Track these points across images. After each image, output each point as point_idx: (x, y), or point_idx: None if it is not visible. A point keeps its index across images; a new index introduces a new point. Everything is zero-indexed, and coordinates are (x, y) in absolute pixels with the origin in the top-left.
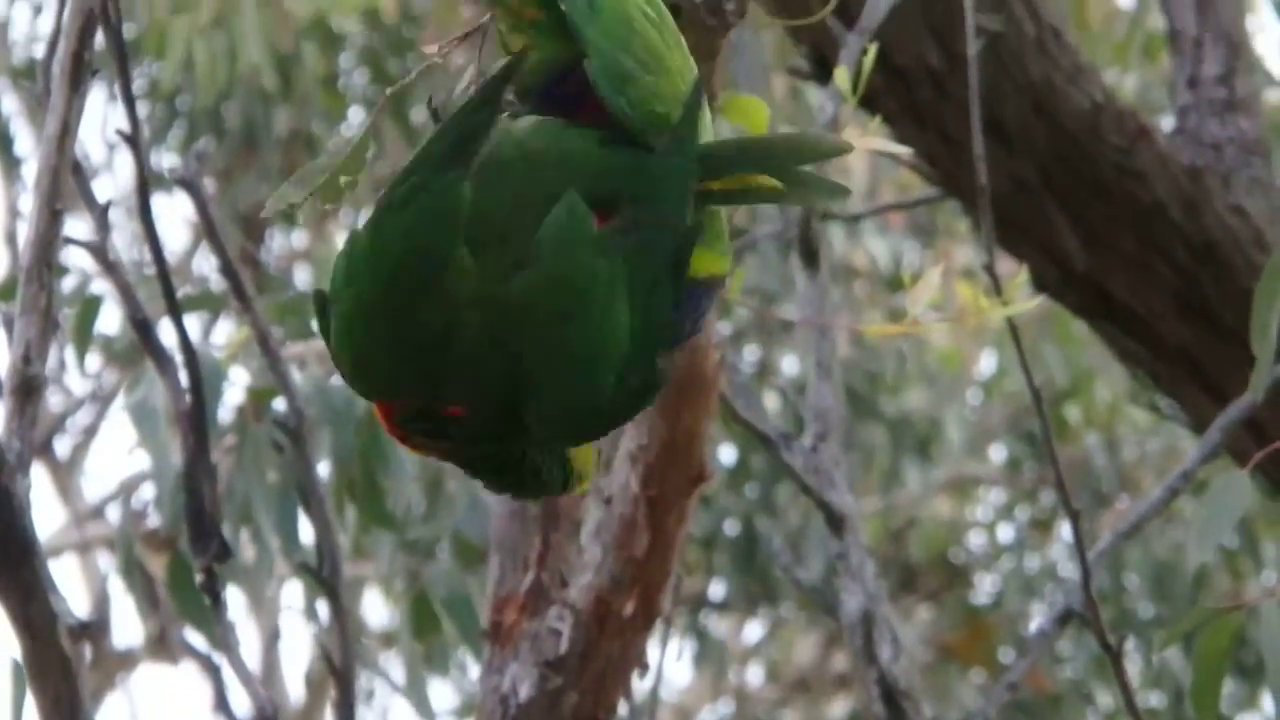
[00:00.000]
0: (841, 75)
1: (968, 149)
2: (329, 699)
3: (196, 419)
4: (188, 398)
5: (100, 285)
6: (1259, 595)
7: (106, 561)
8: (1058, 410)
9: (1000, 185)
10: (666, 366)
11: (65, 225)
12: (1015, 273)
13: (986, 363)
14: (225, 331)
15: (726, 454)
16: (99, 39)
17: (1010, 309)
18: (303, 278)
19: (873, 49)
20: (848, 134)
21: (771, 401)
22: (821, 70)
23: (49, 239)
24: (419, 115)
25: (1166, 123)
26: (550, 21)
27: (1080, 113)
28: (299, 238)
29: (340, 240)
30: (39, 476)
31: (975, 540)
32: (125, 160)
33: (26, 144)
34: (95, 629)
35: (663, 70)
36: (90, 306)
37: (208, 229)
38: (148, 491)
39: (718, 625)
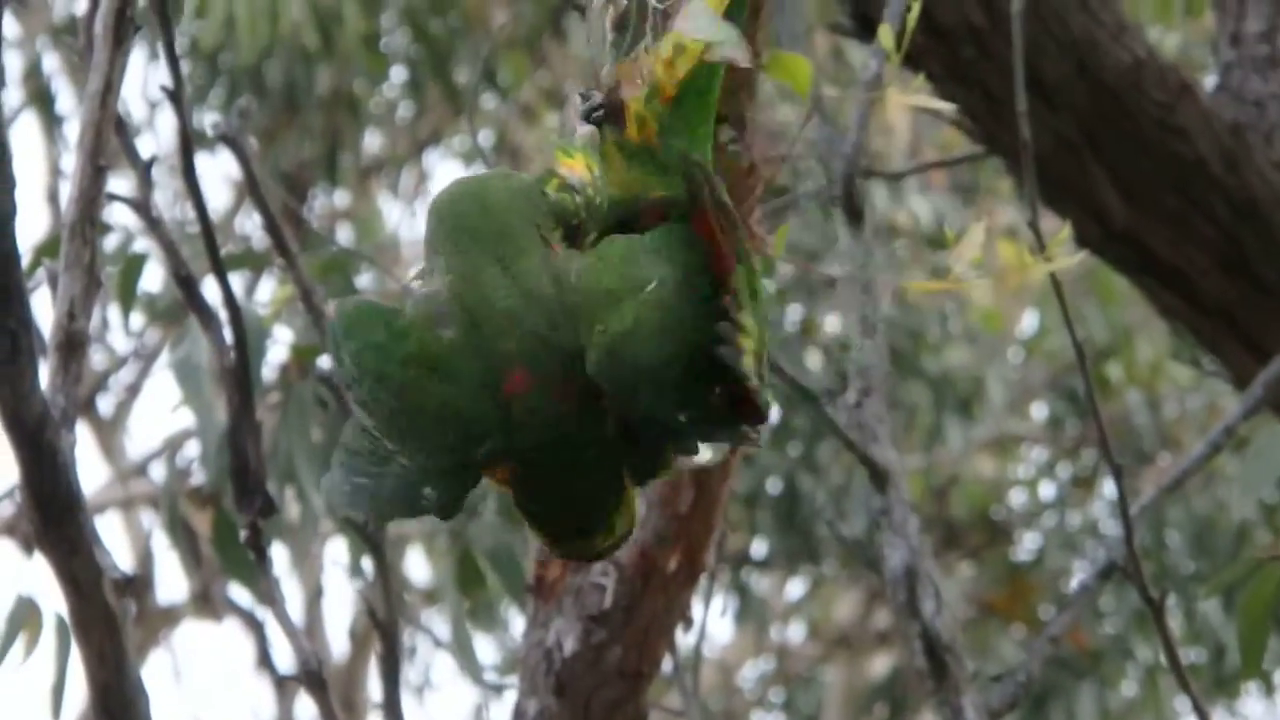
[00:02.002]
0: (885, 33)
1: (1010, 107)
2: (373, 653)
3: (241, 376)
4: (232, 355)
5: (144, 244)
6: None
7: (150, 519)
8: (1099, 368)
9: (1042, 142)
10: None
11: (109, 182)
12: (1058, 230)
13: (1028, 322)
14: (268, 290)
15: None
16: None
17: (1053, 265)
18: (345, 236)
19: (916, 6)
20: (891, 92)
21: (814, 359)
22: (863, 27)
23: (92, 195)
24: (461, 76)
25: (1209, 82)
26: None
27: (1122, 69)
28: (341, 196)
29: (381, 199)
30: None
31: (1017, 498)
32: (168, 119)
33: (68, 102)
34: (139, 584)
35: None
36: (134, 264)
37: (250, 184)
38: (192, 449)
39: (760, 582)
